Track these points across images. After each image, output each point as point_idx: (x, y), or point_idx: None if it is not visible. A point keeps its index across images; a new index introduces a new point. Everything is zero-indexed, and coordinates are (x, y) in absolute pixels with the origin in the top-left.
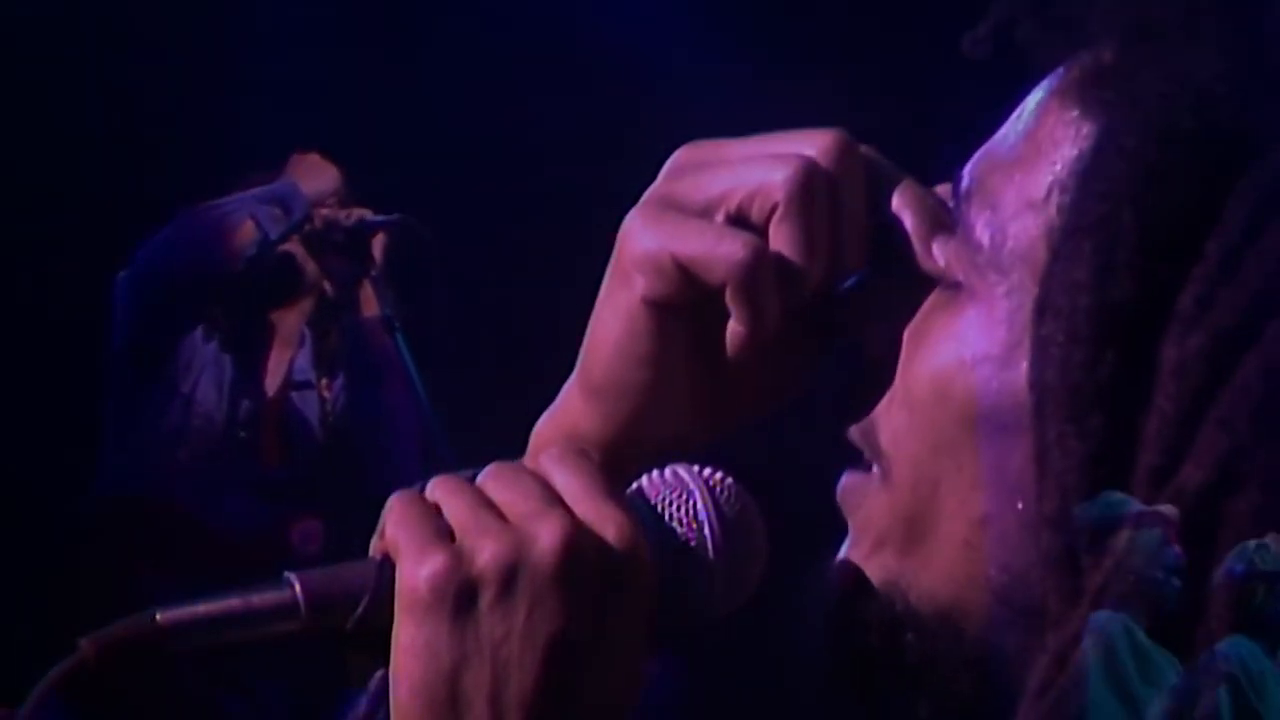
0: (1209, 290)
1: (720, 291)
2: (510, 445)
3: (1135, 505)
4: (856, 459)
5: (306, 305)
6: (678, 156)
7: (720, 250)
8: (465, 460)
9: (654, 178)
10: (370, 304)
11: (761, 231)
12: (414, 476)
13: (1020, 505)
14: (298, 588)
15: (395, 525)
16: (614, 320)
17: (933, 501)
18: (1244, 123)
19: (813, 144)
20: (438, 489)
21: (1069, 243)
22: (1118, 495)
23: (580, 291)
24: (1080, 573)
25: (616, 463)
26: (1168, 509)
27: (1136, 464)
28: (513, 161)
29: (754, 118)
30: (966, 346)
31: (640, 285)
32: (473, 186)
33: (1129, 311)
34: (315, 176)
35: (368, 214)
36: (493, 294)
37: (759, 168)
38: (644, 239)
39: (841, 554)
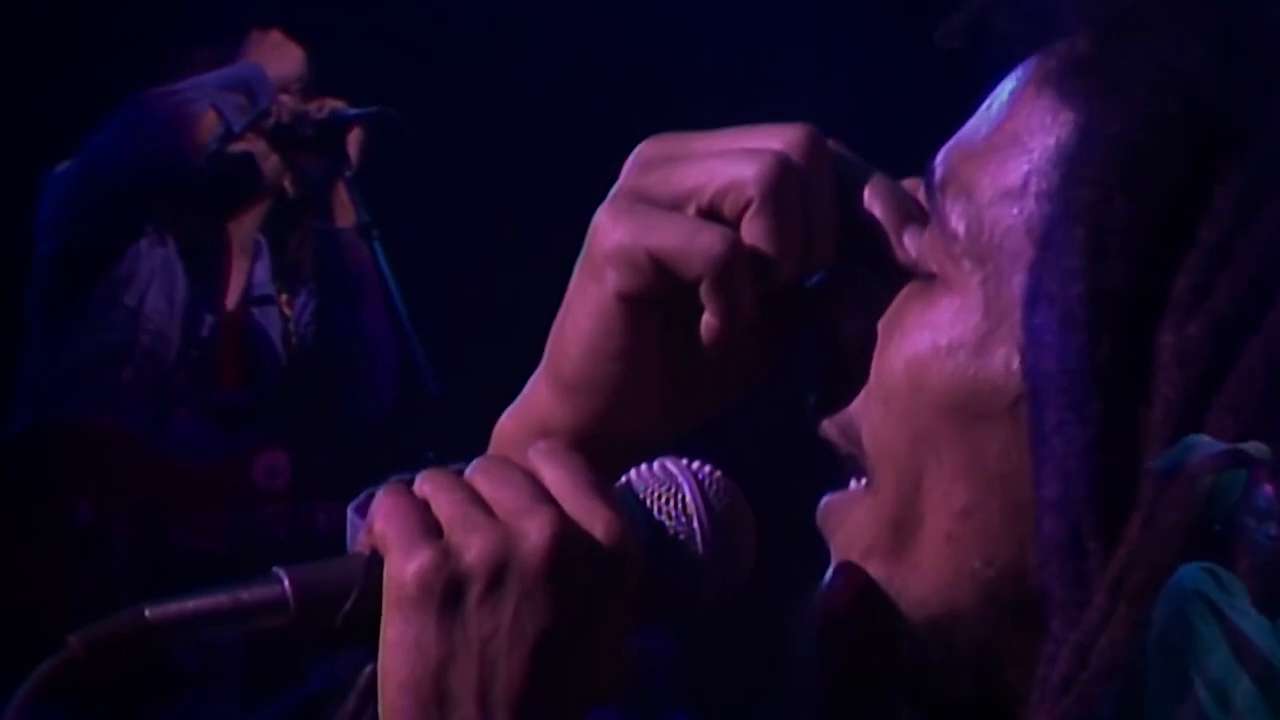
0: (1205, 277)
1: (694, 285)
2: (495, 365)
3: (1216, 445)
4: (834, 476)
5: (263, 209)
6: (643, 150)
7: (697, 244)
8: (448, 385)
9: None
10: (344, 210)
11: (734, 227)
12: (390, 405)
13: (1002, 494)
14: (286, 583)
15: (383, 520)
16: (584, 315)
17: (916, 497)
18: (1229, 107)
19: (782, 139)
20: (426, 483)
21: (1059, 229)
22: (1199, 438)
23: (578, 200)
24: (1086, 556)
25: (586, 456)
26: (1255, 447)
27: (1142, 451)
28: (507, 48)
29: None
30: (941, 334)
31: (612, 279)
32: (461, 75)
33: (1124, 297)
34: (276, 58)
35: (342, 106)
36: (484, 199)
37: (730, 163)
38: (616, 232)
39: (828, 579)
